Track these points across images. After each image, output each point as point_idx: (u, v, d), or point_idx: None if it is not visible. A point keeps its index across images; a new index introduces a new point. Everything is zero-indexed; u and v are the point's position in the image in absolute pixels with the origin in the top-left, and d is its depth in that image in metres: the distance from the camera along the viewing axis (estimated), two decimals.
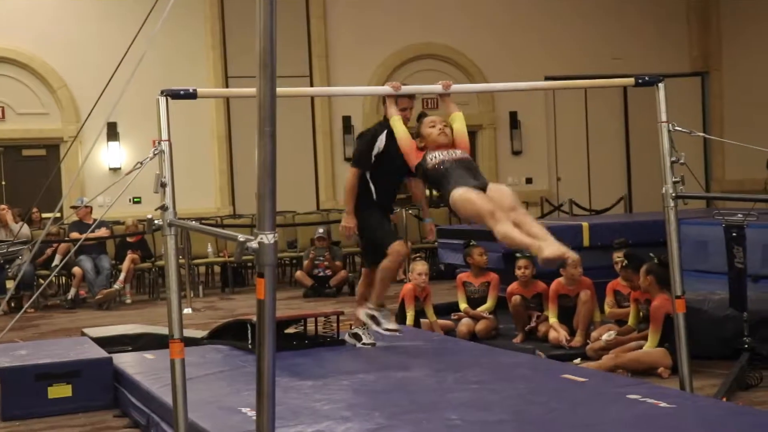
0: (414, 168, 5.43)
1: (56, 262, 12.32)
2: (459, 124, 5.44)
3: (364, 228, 6.44)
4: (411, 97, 5.94)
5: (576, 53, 17.80)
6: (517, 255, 8.21)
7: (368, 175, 6.38)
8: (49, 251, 12.65)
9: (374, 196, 6.36)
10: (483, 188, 5.01)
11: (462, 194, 4.92)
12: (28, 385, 6.18)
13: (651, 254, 7.29)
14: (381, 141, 6.26)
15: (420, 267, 8.51)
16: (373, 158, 6.31)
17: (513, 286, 8.16)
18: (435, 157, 5.18)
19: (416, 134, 5.43)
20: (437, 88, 5.35)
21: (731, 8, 18.22)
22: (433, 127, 5.29)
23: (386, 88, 5.30)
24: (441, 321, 8.44)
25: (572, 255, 4.79)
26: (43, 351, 6.81)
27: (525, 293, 8.04)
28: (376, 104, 16.28)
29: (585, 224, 9.77)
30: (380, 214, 6.42)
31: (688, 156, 5.29)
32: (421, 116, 5.56)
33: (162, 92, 4.48)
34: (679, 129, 5.24)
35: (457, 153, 5.23)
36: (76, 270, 12.42)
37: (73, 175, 14.93)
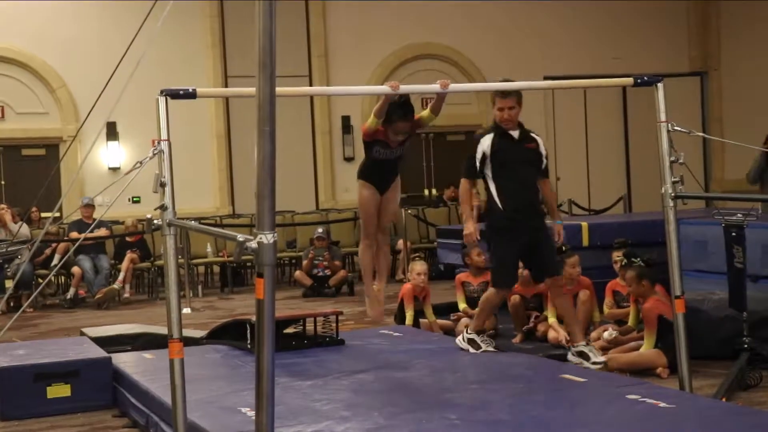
0: (363, 139, 5.73)
1: (55, 261, 12.32)
2: (425, 119, 5.67)
3: (491, 252, 6.34)
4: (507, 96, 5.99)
5: (575, 53, 17.80)
6: None
7: (491, 185, 6.16)
8: (48, 251, 12.66)
9: (499, 204, 6.11)
10: (386, 188, 5.77)
11: (364, 196, 5.78)
12: (27, 385, 6.17)
13: (633, 259, 7.33)
14: (484, 145, 6.13)
15: (419, 267, 8.50)
16: (478, 164, 6.14)
17: None
18: (380, 152, 5.66)
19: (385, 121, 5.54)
20: (435, 87, 5.34)
21: (730, 8, 18.22)
22: (397, 134, 5.57)
23: (385, 88, 5.29)
24: (440, 321, 8.43)
25: (379, 314, 5.94)
26: (41, 351, 6.81)
27: (524, 293, 8.03)
28: (376, 103, 16.26)
29: (584, 224, 9.76)
30: (508, 240, 6.12)
31: (687, 156, 5.29)
32: (402, 107, 5.56)
33: (161, 92, 4.47)
34: (679, 129, 5.24)
35: (396, 152, 5.68)
36: (75, 270, 12.42)
37: (72, 174, 14.93)
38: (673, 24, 18.66)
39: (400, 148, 5.71)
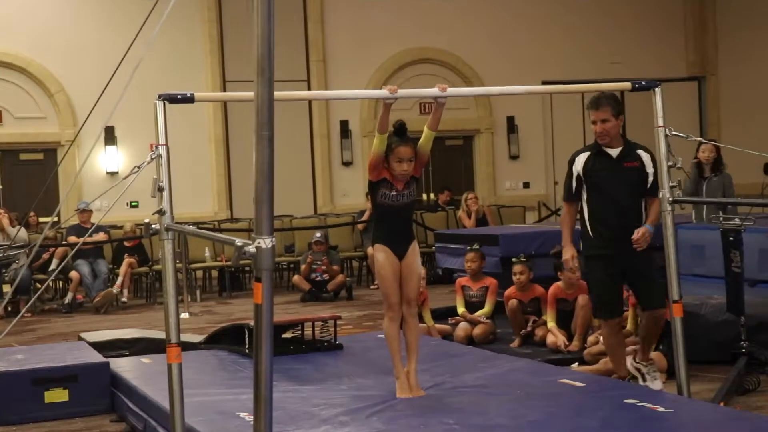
0: (369, 179, 5.28)
1: (53, 266, 12.31)
2: (424, 141, 5.24)
3: (589, 279, 5.94)
4: None
5: (573, 58, 17.83)
6: (513, 260, 8.21)
7: (584, 208, 5.77)
8: (46, 255, 12.65)
9: (590, 231, 5.74)
10: (403, 253, 5.26)
11: (379, 260, 5.26)
12: (25, 389, 6.17)
13: None
14: (578, 165, 5.77)
15: (420, 270, 8.51)
16: (573, 186, 5.77)
17: (510, 291, 8.16)
18: (385, 195, 5.22)
19: (385, 152, 5.17)
20: (435, 91, 5.21)
21: (727, 14, 18.26)
22: (400, 162, 5.14)
23: (383, 92, 5.16)
24: (438, 325, 8.43)
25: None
26: (39, 355, 6.80)
27: (522, 297, 8.03)
28: (374, 108, 16.30)
29: None
30: (602, 267, 5.72)
31: (685, 160, 5.31)
32: (398, 133, 5.20)
33: (159, 96, 4.47)
34: (676, 134, 5.26)
35: (404, 198, 5.24)
36: (73, 274, 12.41)
37: (70, 179, 14.93)
38: (670, 29, 18.70)
39: (408, 193, 5.25)
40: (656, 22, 18.56)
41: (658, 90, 5.31)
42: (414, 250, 5.31)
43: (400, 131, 5.19)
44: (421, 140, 5.22)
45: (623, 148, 5.69)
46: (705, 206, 9.12)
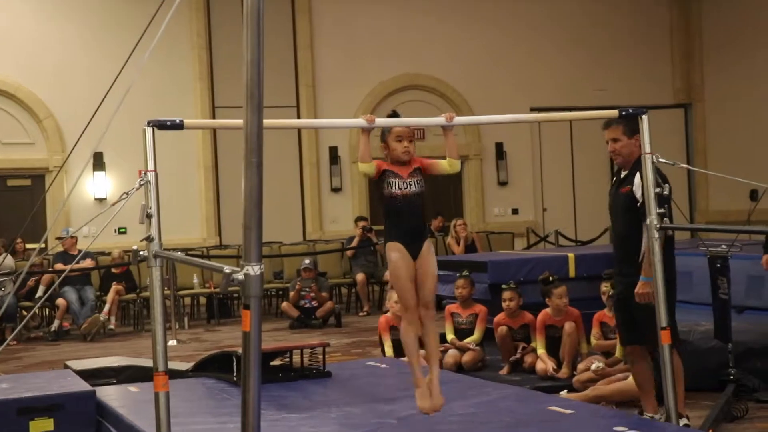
0: (373, 180, 4.93)
1: (40, 293, 12.25)
2: (446, 165, 5.02)
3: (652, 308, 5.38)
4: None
5: (561, 85, 17.92)
6: (503, 287, 8.22)
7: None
8: (32, 282, 12.58)
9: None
10: (417, 251, 4.86)
11: (393, 260, 4.84)
12: (10, 419, 6.10)
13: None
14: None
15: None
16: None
17: (499, 317, 8.16)
18: (391, 185, 4.85)
19: (381, 137, 4.90)
20: (441, 120, 5.03)
21: (713, 41, 18.40)
22: (400, 141, 4.83)
23: (360, 121, 5.04)
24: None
25: (432, 408, 4.87)
26: (24, 384, 6.74)
27: (511, 324, 8.03)
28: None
29: (571, 255, 9.78)
30: (616, 293, 5.68)
31: (672, 187, 5.32)
32: (393, 117, 4.95)
33: (148, 123, 4.47)
34: (663, 161, 5.26)
35: (412, 187, 4.89)
36: (60, 301, 12.35)
37: (57, 205, 14.89)
38: (657, 57, 18.83)
39: (415, 182, 4.90)
40: (643, 50, 18.68)
41: (645, 117, 5.32)
42: (429, 249, 4.92)
43: (394, 116, 4.96)
44: (443, 163, 5.00)
45: (628, 172, 5.69)
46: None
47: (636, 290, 5.55)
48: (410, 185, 4.87)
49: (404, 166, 4.86)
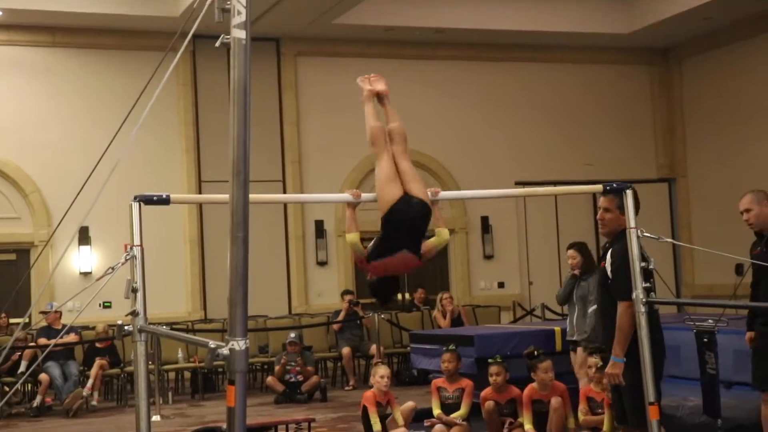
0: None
1: (22, 368, 12.11)
2: (437, 240, 5.21)
3: (634, 386, 5.39)
4: None
5: (545, 159, 18.08)
6: (490, 361, 8.19)
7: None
8: (14, 357, 12.44)
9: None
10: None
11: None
12: None
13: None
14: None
15: (382, 370, 8.45)
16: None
17: (486, 392, 8.11)
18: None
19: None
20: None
21: (695, 117, 18.65)
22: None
23: (345, 196, 5.15)
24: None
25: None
26: None
27: (498, 398, 7.98)
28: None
29: (557, 329, 9.77)
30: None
31: (657, 261, 5.34)
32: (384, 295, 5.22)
33: (135, 198, 4.49)
34: (648, 235, 5.30)
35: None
36: (42, 377, 12.20)
37: (42, 279, 14.79)
38: (640, 132, 19.04)
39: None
40: (627, 126, 18.89)
41: (629, 192, 5.38)
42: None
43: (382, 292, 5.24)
44: (431, 242, 5.13)
45: (606, 245, 5.76)
46: (576, 311, 9.13)
47: (606, 369, 5.56)
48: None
49: None
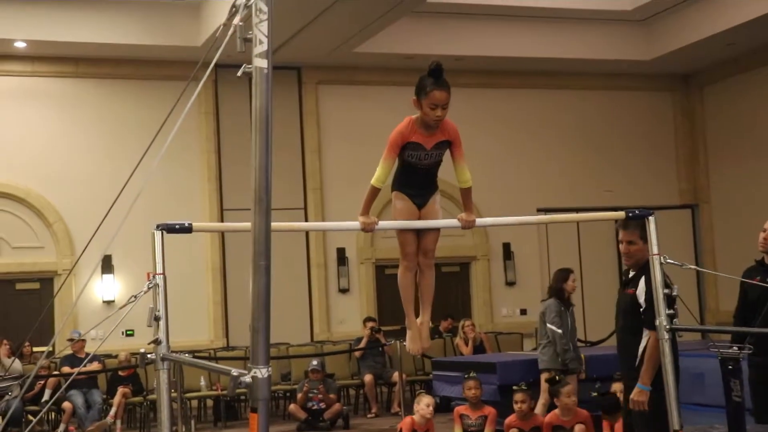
0: (392, 147, 4.82)
1: (46, 397, 12.15)
2: (464, 175, 5.08)
3: (657, 415, 5.32)
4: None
5: (567, 186, 18.05)
6: (515, 388, 8.14)
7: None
8: (38, 385, 12.48)
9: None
10: (424, 202, 4.94)
11: (397, 208, 4.95)
12: None
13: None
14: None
15: (427, 399, 8.43)
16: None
17: (510, 419, 8.07)
18: (412, 156, 4.83)
19: (416, 92, 4.68)
20: (455, 222, 5.14)
21: (717, 143, 18.58)
22: (434, 109, 4.64)
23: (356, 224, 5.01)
24: None
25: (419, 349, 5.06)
26: None
27: (523, 426, 7.94)
28: (371, 236, 16.38)
29: (581, 356, 9.70)
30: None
31: (681, 287, 5.30)
32: (434, 74, 4.61)
33: (157, 226, 4.50)
34: (671, 261, 5.26)
35: (432, 158, 4.87)
36: (66, 405, 12.24)
37: (65, 307, 14.88)
38: (662, 158, 18.99)
39: (437, 153, 4.88)
40: (649, 152, 18.85)
41: (651, 218, 5.35)
42: (435, 200, 5.01)
43: (436, 72, 4.65)
44: (462, 171, 5.03)
45: (635, 274, 5.68)
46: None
47: (631, 396, 5.51)
48: (431, 156, 4.87)
49: (430, 135, 4.78)
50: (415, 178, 4.88)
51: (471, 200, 5.14)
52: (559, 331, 9.12)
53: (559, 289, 9.50)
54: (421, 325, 5.08)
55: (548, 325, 9.31)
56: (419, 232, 4.94)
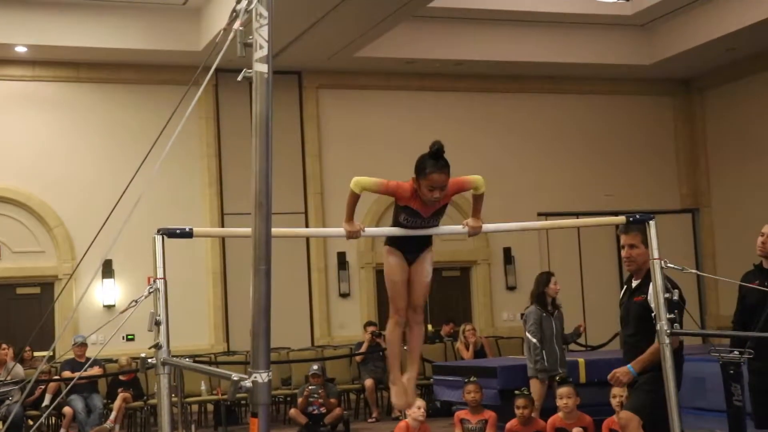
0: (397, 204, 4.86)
1: (46, 402, 12.13)
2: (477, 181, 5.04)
3: (657, 418, 5.41)
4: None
5: (568, 190, 18.04)
6: (516, 393, 8.14)
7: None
8: (39, 390, 12.47)
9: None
10: (415, 258, 4.93)
11: (389, 263, 4.96)
12: None
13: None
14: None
15: (419, 401, 8.41)
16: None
17: (512, 424, 8.06)
18: (408, 220, 4.88)
19: (416, 171, 4.76)
20: (460, 228, 5.09)
21: (718, 148, 18.58)
22: (432, 191, 4.71)
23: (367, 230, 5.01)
24: None
25: (414, 408, 5.01)
26: None
27: (524, 431, 7.92)
28: (371, 240, 16.38)
29: (581, 360, 9.72)
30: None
31: (682, 291, 5.30)
32: (434, 156, 4.73)
33: (158, 231, 4.51)
34: (672, 266, 5.26)
35: (430, 223, 4.90)
36: (66, 410, 12.22)
37: (66, 312, 14.87)
38: (663, 162, 18.99)
39: (434, 220, 4.90)
40: (650, 156, 18.85)
41: (652, 223, 5.35)
42: (426, 257, 5.00)
43: (437, 154, 4.75)
44: (472, 181, 5.01)
45: (641, 281, 5.69)
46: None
47: (616, 370, 5.56)
48: (427, 222, 4.91)
49: (429, 207, 4.82)
50: (409, 239, 4.95)
51: (481, 206, 5.10)
52: (534, 340, 9.14)
53: (540, 294, 9.50)
54: (408, 381, 5.08)
55: (526, 334, 9.35)
56: (410, 287, 4.96)
